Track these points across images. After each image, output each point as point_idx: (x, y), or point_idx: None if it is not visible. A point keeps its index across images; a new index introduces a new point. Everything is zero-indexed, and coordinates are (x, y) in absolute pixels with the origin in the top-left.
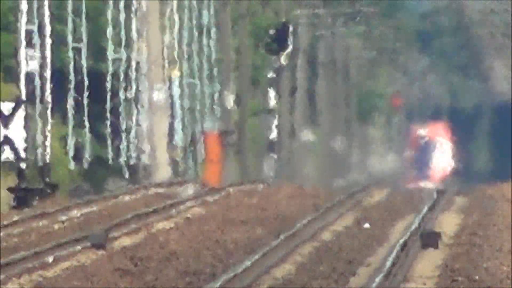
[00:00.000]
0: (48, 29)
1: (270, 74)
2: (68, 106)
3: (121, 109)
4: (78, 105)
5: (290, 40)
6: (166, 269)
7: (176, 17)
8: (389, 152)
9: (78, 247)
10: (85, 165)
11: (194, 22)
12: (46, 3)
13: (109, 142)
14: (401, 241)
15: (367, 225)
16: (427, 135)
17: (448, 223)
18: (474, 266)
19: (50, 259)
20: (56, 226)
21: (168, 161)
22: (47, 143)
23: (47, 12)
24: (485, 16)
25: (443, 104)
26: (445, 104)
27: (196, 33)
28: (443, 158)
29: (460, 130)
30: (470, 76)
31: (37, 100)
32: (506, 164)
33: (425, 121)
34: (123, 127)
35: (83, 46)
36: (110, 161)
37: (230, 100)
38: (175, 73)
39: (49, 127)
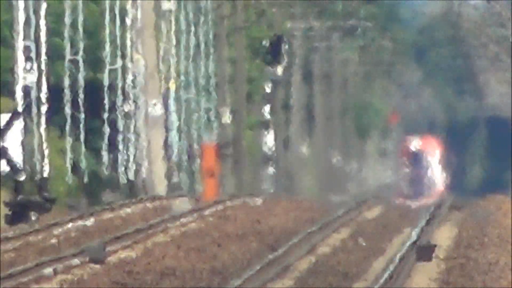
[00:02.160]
0: (44, 42)
1: (266, 87)
2: (65, 119)
3: (118, 122)
4: (75, 118)
5: (285, 52)
6: (163, 283)
7: (172, 31)
8: (385, 166)
9: (76, 261)
10: (85, 179)
11: (191, 35)
12: (42, 16)
13: (105, 155)
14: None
15: (362, 241)
16: (419, 148)
17: (444, 236)
18: (470, 279)
19: (48, 272)
20: (53, 240)
21: (165, 174)
22: (45, 156)
23: (43, 26)
24: (480, 29)
25: (438, 118)
26: (440, 117)
27: (192, 47)
28: (435, 175)
29: (455, 144)
30: (465, 90)
31: (35, 113)
32: (502, 176)
33: (418, 134)
34: (120, 140)
35: (80, 59)
36: (106, 174)
37: (226, 113)
38: (172, 86)
39: (46, 140)
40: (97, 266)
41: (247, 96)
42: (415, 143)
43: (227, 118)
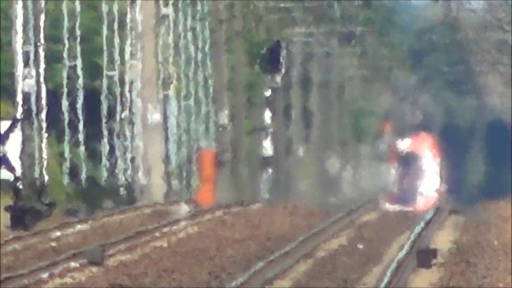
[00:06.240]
0: (43, 48)
1: (265, 93)
2: (64, 125)
3: (116, 128)
4: (73, 124)
5: (284, 59)
6: (161, 285)
7: (171, 37)
8: (379, 170)
9: (75, 264)
10: (83, 184)
11: (189, 40)
12: (41, 22)
13: (104, 161)
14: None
15: (360, 246)
16: (410, 150)
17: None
18: (469, 284)
19: (47, 275)
20: (52, 244)
21: (163, 180)
22: (44, 162)
23: (42, 31)
24: (479, 33)
25: (435, 120)
26: (438, 120)
27: (191, 52)
28: (429, 179)
29: (453, 147)
30: (465, 93)
31: (34, 119)
32: (501, 181)
33: (412, 135)
34: (119, 146)
35: (79, 65)
36: (104, 181)
37: (224, 119)
38: (171, 92)
39: (45, 146)
40: (96, 269)
41: (246, 102)
42: (405, 144)
43: (225, 122)
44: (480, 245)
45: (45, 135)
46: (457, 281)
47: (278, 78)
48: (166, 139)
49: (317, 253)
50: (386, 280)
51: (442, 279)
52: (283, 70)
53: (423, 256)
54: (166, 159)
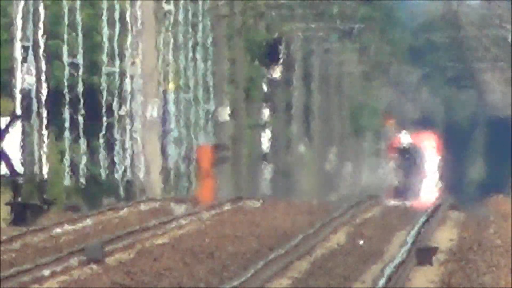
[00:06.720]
0: (42, 44)
1: (264, 88)
2: (64, 122)
3: (116, 125)
4: (73, 120)
5: (282, 54)
6: (161, 283)
7: (171, 32)
8: (380, 165)
9: (75, 261)
10: (82, 181)
11: (190, 37)
12: (41, 18)
13: (103, 158)
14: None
15: (361, 242)
16: (410, 143)
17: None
18: (470, 282)
19: (47, 273)
20: (52, 241)
21: (162, 176)
22: (44, 158)
23: (41, 28)
24: (479, 29)
25: (436, 116)
26: (439, 116)
27: (191, 48)
28: (430, 175)
29: (453, 143)
30: (464, 89)
31: (33, 115)
32: (501, 177)
33: (413, 130)
34: (118, 143)
35: (79, 61)
36: (103, 177)
37: (224, 114)
38: (171, 87)
39: (45, 143)
40: (96, 266)
41: (246, 97)
42: (404, 138)
43: (225, 117)
44: (480, 242)
45: (45, 131)
46: (457, 279)
47: (276, 71)
48: (165, 135)
49: (317, 250)
50: (385, 277)
51: (442, 277)
52: (280, 63)
53: (423, 253)
54: (165, 155)
